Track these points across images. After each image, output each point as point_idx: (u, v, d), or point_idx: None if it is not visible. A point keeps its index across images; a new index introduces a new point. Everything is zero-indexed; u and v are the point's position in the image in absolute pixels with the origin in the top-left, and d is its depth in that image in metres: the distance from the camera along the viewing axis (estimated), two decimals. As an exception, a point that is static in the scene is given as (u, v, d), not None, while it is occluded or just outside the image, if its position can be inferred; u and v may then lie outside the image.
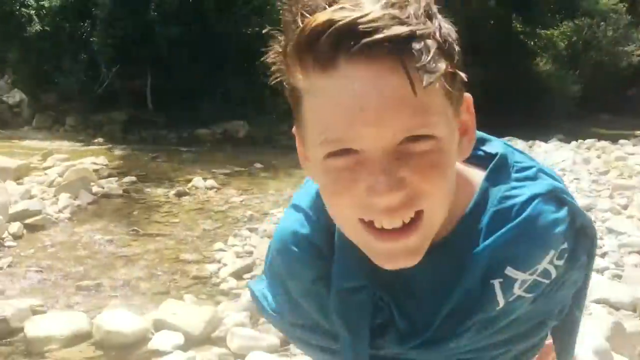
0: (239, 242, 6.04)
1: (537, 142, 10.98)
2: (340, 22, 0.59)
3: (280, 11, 0.65)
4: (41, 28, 13.54)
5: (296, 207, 0.85)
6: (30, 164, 9.07)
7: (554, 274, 0.76)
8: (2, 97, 14.08)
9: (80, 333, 4.10)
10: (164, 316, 4.19)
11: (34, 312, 4.36)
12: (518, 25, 19.33)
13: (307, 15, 0.61)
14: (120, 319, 4.15)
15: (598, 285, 4.07)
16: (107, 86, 13.39)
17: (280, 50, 0.66)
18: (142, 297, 4.87)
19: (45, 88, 13.79)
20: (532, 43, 19.90)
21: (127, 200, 7.85)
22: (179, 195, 8.06)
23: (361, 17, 0.59)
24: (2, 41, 13.93)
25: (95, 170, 8.94)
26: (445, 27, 0.65)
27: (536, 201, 0.75)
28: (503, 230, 0.74)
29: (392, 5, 0.61)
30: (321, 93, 0.63)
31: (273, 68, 0.68)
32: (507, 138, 10.58)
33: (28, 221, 6.35)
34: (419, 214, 0.66)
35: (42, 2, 13.75)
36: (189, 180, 8.67)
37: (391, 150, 0.62)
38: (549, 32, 20.28)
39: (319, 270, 0.80)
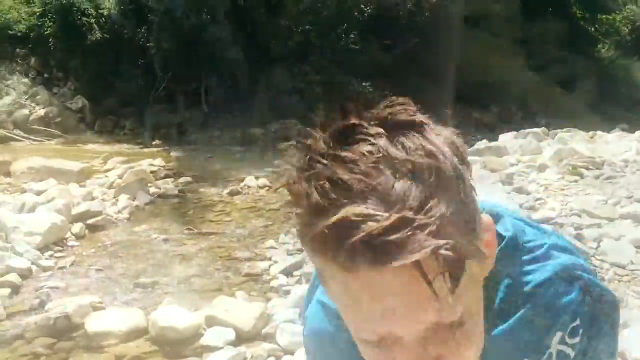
0: (290, 240, 6.08)
1: (599, 132, 10.52)
2: (358, 236, 0.56)
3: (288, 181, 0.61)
4: (101, 36, 14.05)
5: (323, 305, 0.87)
6: (92, 167, 9.46)
7: (572, 353, 0.77)
8: (66, 103, 14.69)
9: (137, 329, 4.26)
10: (215, 312, 4.29)
11: (94, 309, 4.55)
12: (578, 12, 18.61)
13: (318, 197, 0.57)
14: (174, 316, 4.28)
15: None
16: (163, 89, 13.78)
17: (297, 227, 0.63)
18: (196, 294, 4.99)
19: (105, 93, 14.30)
20: (593, 29, 19.13)
21: (182, 200, 8.07)
22: (232, 194, 8.20)
23: (378, 226, 0.55)
24: (65, 50, 14.54)
25: (153, 172, 9.22)
26: (459, 203, 0.60)
27: (543, 287, 0.76)
28: (510, 321, 0.76)
29: (407, 198, 0.57)
30: (344, 287, 0.62)
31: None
32: (565, 129, 10.26)
33: (89, 222, 6.63)
34: None
35: (101, 10, 14.27)
36: (242, 180, 8.81)
37: (424, 335, 0.62)
38: (610, 17, 19.44)
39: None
